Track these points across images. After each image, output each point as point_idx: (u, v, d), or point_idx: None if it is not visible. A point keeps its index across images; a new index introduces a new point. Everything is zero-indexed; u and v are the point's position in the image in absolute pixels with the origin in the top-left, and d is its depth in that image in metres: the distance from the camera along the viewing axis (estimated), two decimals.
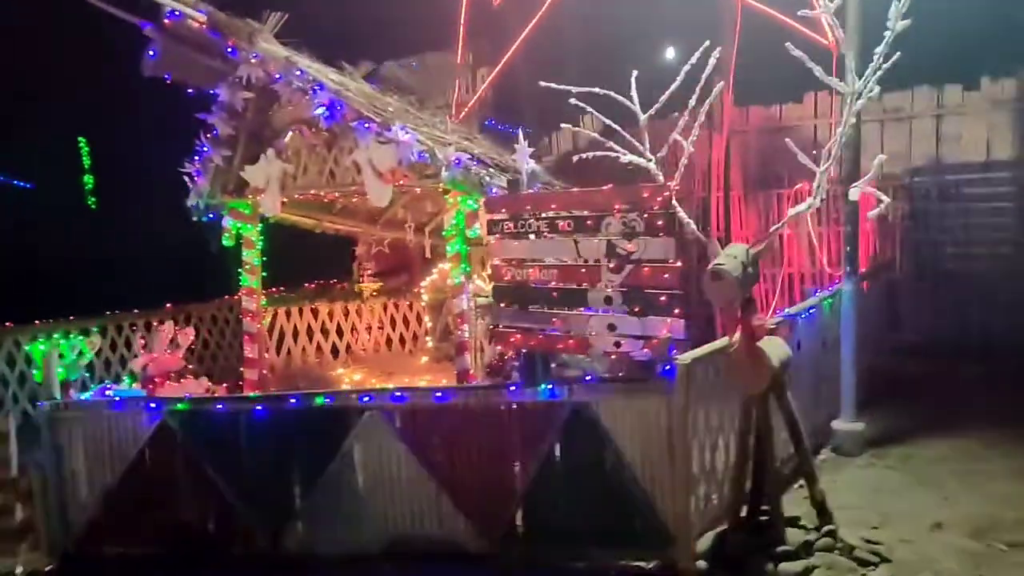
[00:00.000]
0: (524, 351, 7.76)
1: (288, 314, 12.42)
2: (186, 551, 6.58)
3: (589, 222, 6.68)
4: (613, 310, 6.62)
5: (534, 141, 13.49)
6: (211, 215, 10.85)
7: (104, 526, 6.68)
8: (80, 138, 36.65)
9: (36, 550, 6.82)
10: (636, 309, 6.47)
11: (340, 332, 12.81)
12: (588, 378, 6.05)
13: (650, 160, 6.83)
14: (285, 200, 10.25)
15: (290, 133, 9.89)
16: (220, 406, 6.47)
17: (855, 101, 5.62)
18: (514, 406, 6.15)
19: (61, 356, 7.61)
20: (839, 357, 8.72)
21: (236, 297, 13.58)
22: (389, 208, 12.22)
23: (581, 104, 7.00)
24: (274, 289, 13.59)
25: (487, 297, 9.66)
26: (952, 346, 11.46)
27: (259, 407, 6.41)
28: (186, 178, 10.61)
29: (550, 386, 6.07)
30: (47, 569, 6.71)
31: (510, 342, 7.33)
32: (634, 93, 7.13)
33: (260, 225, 10.91)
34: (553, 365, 8.07)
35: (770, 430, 6.00)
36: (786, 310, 8.04)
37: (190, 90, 10.15)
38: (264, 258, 11.07)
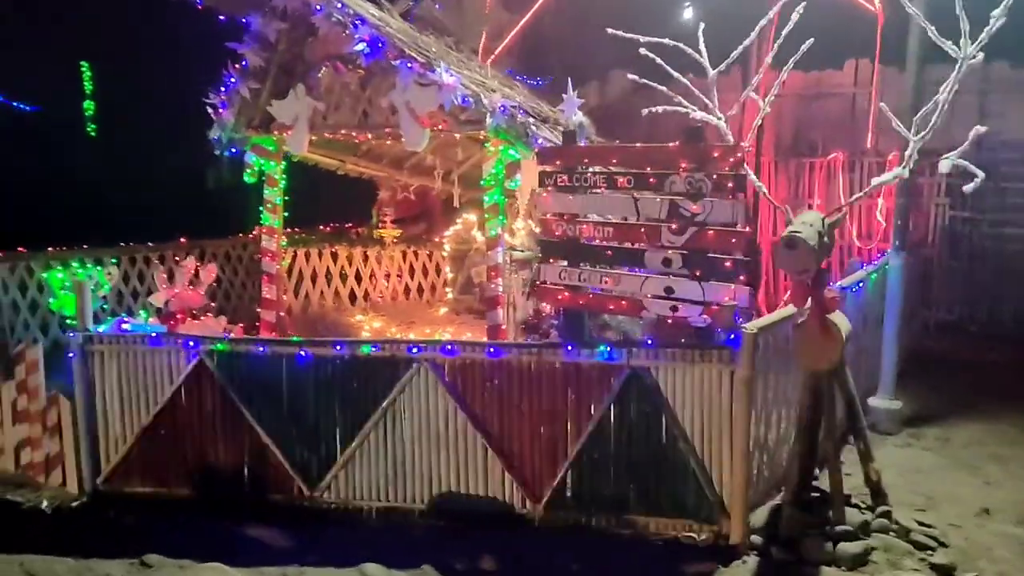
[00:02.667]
0: (564, 309, 7.55)
1: (307, 256, 12.12)
2: (219, 495, 6.38)
3: (651, 180, 6.41)
4: (671, 273, 6.39)
5: (559, 94, 13.17)
6: (233, 150, 10.51)
7: (135, 464, 6.46)
8: (82, 62, 35.93)
9: (63, 485, 6.60)
10: (697, 273, 6.24)
11: (359, 278, 12.52)
12: (649, 342, 5.81)
13: (720, 118, 6.59)
14: (314, 138, 9.91)
15: (323, 68, 9.48)
16: (262, 349, 6.22)
17: (964, 66, 5.34)
18: (570, 366, 5.91)
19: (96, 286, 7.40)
20: (878, 333, 8.56)
21: (251, 235, 13.35)
22: (417, 153, 11.92)
23: (651, 55, 6.72)
24: (288, 230, 13.28)
25: (522, 251, 9.44)
26: (984, 326, 11.33)
27: (303, 352, 6.17)
28: (209, 109, 10.24)
29: (608, 348, 5.84)
30: (74, 505, 6.50)
31: (556, 299, 7.09)
32: (703, 47, 6.87)
33: (284, 163, 10.59)
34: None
35: (833, 407, 5.82)
36: (838, 283, 7.83)
37: (221, 16, 9.77)
38: (286, 197, 10.78)
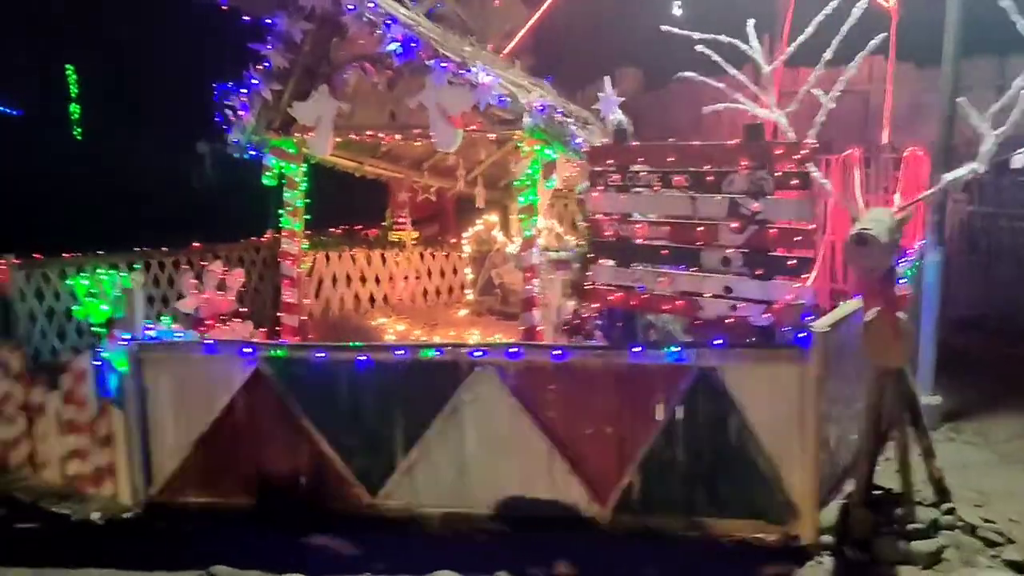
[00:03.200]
0: (611, 309, 7.52)
1: (327, 259, 12.00)
2: (276, 504, 6.27)
3: (710, 178, 6.39)
4: (731, 271, 6.37)
5: (572, 92, 13.12)
6: (252, 152, 10.39)
7: (190, 474, 6.33)
8: (68, 66, 35.55)
9: (114, 496, 6.47)
10: (758, 272, 6.22)
11: (377, 280, 12.41)
12: (718, 342, 5.77)
13: (780, 115, 6.57)
14: (338, 140, 9.81)
15: (351, 69, 9.37)
16: (322, 355, 6.12)
17: None
18: (637, 367, 5.86)
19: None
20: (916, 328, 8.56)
21: (263, 239, 13.20)
22: (436, 153, 11.84)
23: (707, 51, 6.69)
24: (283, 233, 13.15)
25: (557, 251, 9.39)
26: (1003, 322, 11.37)
27: (362, 357, 6.07)
28: (228, 112, 10.11)
29: (676, 349, 5.79)
30: (125, 516, 6.37)
31: (608, 300, 7.06)
32: (754, 42, 6.86)
33: (304, 165, 10.48)
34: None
35: (904, 404, 5.81)
36: None
37: (246, 17, 9.65)
38: (307, 200, 10.67)
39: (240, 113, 9.96)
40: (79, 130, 35.88)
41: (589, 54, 15.36)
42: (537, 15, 14.32)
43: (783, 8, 12.98)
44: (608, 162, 6.88)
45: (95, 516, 6.37)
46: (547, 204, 11.81)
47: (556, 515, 6.00)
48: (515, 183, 8.87)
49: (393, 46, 8.50)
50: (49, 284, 10.67)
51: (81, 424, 6.54)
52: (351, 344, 6.25)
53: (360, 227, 13.85)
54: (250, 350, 6.15)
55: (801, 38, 6.43)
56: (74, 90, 36.25)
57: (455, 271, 13.02)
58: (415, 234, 12.74)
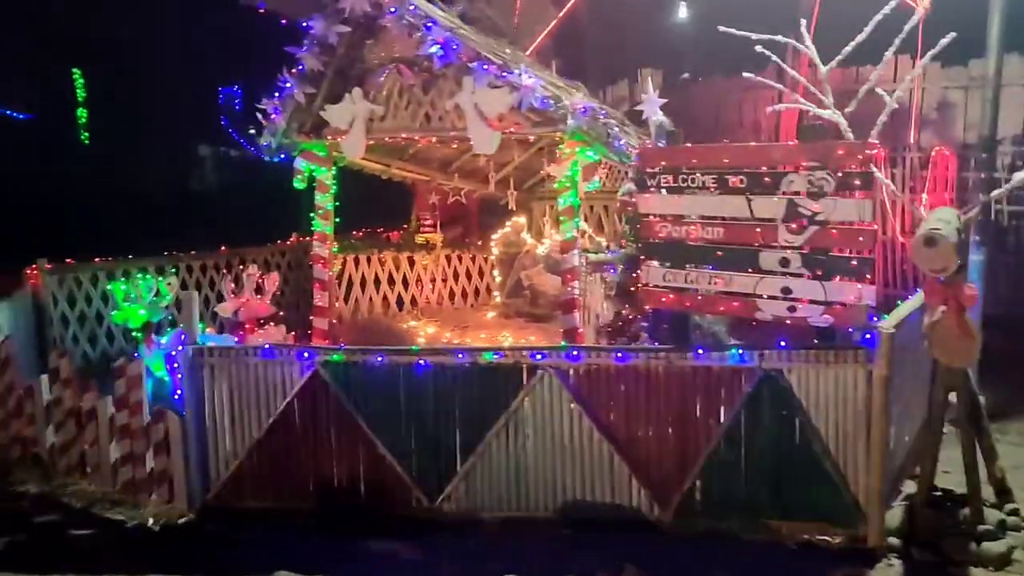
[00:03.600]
0: (657, 311, 7.48)
1: (356, 262, 11.96)
2: (334, 508, 6.23)
3: (767, 179, 6.36)
4: (789, 272, 6.34)
5: (594, 93, 13.05)
6: (282, 156, 10.36)
7: (246, 479, 6.29)
8: (74, 69, 35.52)
9: (169, 501, 6.42)
10: (818, 272, 6.18)
11: (405, 283, 12.37)
12: (782, 343, 5.74)
13: (838, 114, 6.55)
14: (371, 142, 9.78)
15: (385, 72, 9.33)
16: (380, 358, 6.08)
17: None
18: (700, 369, 5.83)
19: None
20: None
21: (288, 242, 13.17)
22: (464, 155, 11.81)
23: (767, 52, 6.68)
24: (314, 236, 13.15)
25: (596, 252, 9.35)
26: None
27: (422, 361, 6.04)
28: (258, 115, 10.08)
29: (740, 350, 5.76)
30: (181, 522, 6.32)
31: (661, 301, 7.02)
32: (810, 44, 6.84)
33: (335, 168, 10.44)
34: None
35: (971, 405, 5.78)
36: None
37: (283, 20, 9.62)
38: (338, 203, 10.64)
39: (273, 116, 9.93)
40: (86, 135, 35.84)
41: (608, 55, 15.33)
42: (559, 16, 14.30)
43: (808, 7, 12.95)
44: (660, 164, 6.83)
45: (151, 522, 6.31)
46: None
47: (617, 518, 5.97)
48: (556, 184, 8.81)
49: (434, 48, 8.46)
50: (81, 288, 10.64)
51: (135, 429, 6.49)
52: (411, 348, 6.22)
53: (381, 230, 13.82)
54: (308, 354, 6.10)
55: (860, 37, 6.40)
56: (81, 94, 36.23)
57: (481, 273, 12.98)
58: (439, 236, 12.69)
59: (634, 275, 7.61)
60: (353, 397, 6.13)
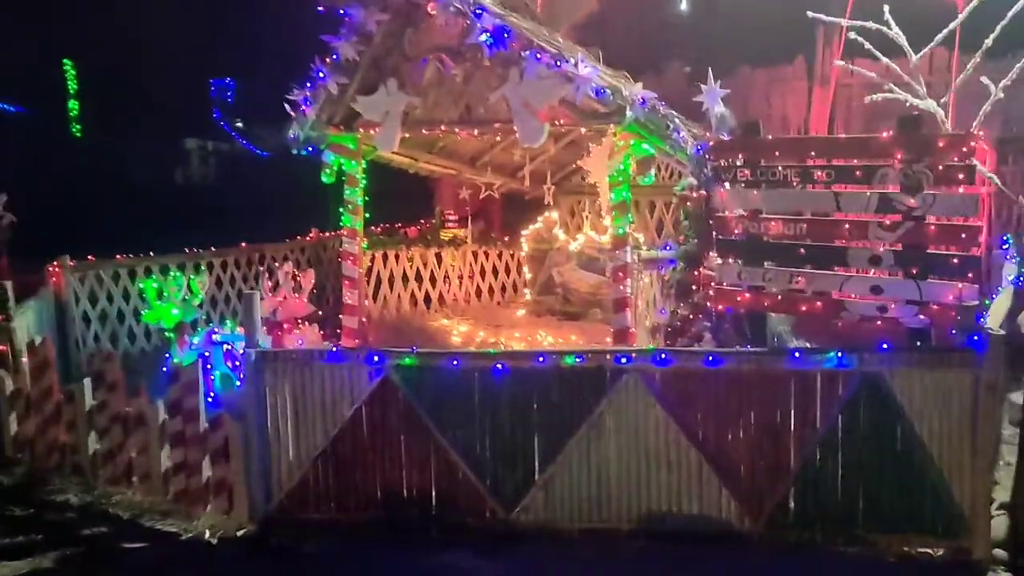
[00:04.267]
0: (716, 311, 7.20)
1: (384, 258, 11.62)
2: (403, 519, 5.90)
3: (857, 172, 6.08)
4: (880, 271, 6.07)
5: None
6: (310, 148, 10.01)
7: (311, 488, 5.94)
8: (65, 60, 34.95)
9: (227, 512, 6.07)
10: (914, 271, 5.91)
11: (433, 280, 12.04)
12: (884, 345, 5.45)
13: (932, 104, 6.28)
14: (406, 135, 9.45)
15: (426, 63, 8.97)
16: (455, 362, 5.75)
17: None
18: (794, 373, 5.54)
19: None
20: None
21: (308, 238, 12.84)
22: (493, 149, 11.51)
23: (860, 39, 6.41)
24: (331, 233, 12.88)
25: (648, 248, 9.06)
26: None
27: (499, 365, 5.72)
28: (286, 106, 9.73)
29: (838, 353, 5.47)
30: (240, 533, 5.97)
31: (735, 301, 6.74)
32: (897, 30, 6.58)
33: (364, 162, 10.11)
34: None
35: None
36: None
37: (320, 8, 9.25)
38: (367, 198, 10.32)
39: (304, 108, 9.58)
40: (78, 127, 35.24)
41: (634, 47, 15.04)
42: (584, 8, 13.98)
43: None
44: (737, 157, 6.54)
45: (208, 535, 5.96)
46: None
47: (704, 530, 5.67)
48: (608, 178, 8.51)
49: (484, 37, 8.14)
50: (102, 286, 10.28)
51: (190, 437, 6.14)
52: (488, 352, 5.90)
53: (400, 225, 13.50)
54: (378, 358, 5.76)
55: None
56: (73, 86, 35.59)
57: (507, 270, 12.67)
58: (461, 232, 12.38)
59: (695, 273, 7.33)
60: (425, 403, 5.80)
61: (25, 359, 7.30)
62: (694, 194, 7.34)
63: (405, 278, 11.71)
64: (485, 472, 5.83)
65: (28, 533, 6.11)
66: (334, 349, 5.85)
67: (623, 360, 5.65)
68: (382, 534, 5.89)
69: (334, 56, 9.25)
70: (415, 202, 14.42)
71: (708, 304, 7.16)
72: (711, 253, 7.04)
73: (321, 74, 9.33)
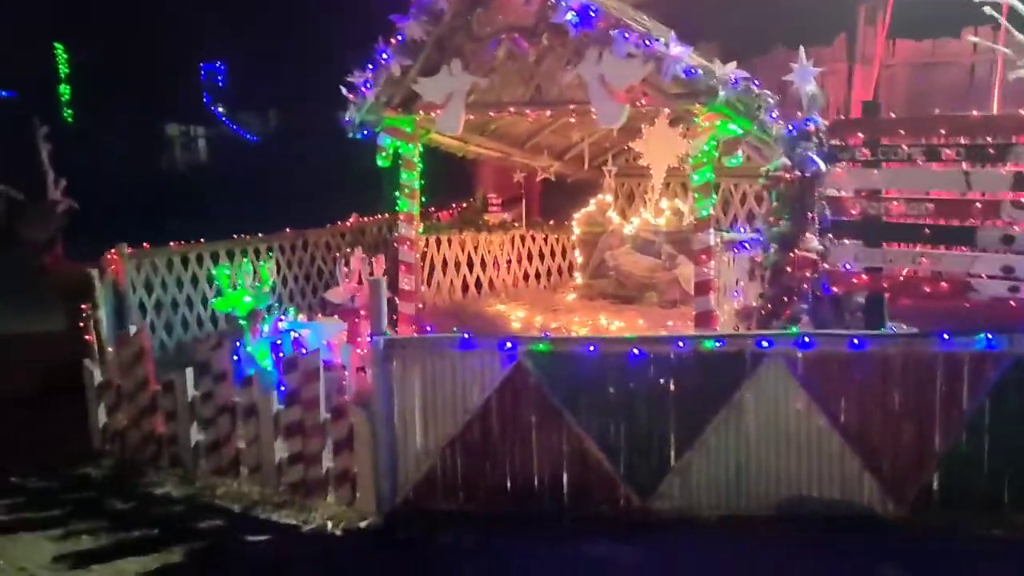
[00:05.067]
0: (813, 293, 7.09)
1: (438, 243, 11.44)
2: (535, 509, 5.76)
3: (991, 150, 5.98)
4: (1012, 251, 5.98)
5: None
6: (365, 132, 9.80)
7: (440, 479, 5.78)
8: (56, 43, 34.33)
9: (350, 504, 5.90)
10: None
11: (483, 265, 11.88)
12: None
13: None
14: (471, 117, 9.26)
15: (495, 43, 8.77)
16: (592, 348, 5.60)
17: None
18: (940, 356, 5.44)
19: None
20: None
21: (348, 223, 12.63)
22: (543, 131, 11.36)
23: (992, 12, 6.29)
24: (370, 217, 12.75)
25: (729, 231, 8.94)
26: None
27: (636, 350, 5.58)
28: (342, 88, 9.51)
29: (987, 335, 5.38)
30: (363, 525, 5.79)
31: (851, 283, 6.64)
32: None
33: (420, 145, 9.92)
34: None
35: None
36: None
37: None
38: (423, 181, 10.12)
39: (363, 90, 9.37)
40: (69, 112, 34.64)
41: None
42: None
43: None
44: (857, 136, 6.42)
45: (330, 527, 5.79)
46: (663, 184, 11.39)
47: (847, 515, 5.57)
48: (690, 161, 8.37)
49: (569, 15, 7.96)
50: (157, 274, 10.05)
51: (309, 426, 5.95)
52: (626, 336, 5.75)
53: (433, 209, 13.30)
54: (511, 344, 5.60)
55: None
56: (64, 70, 34.95)
57: (552, 254, 12.53)
58: (509, 215, 12.22)
59: (789, 255, 7.21)
60: (559, 389, 5.65)
61: (110, 349, 7.07)
62: (787, 175, 7.20)
63: (458, 263, 11.52)
64: (619, 459, 5.70)
65: (140, 527, 5.92)
66: (465, 336, 5.65)
67: (764, 344, 5.53)
68: (513, 525, 5.73)
69: (399, 36, 9.02)
70: (448, 186, 14.22)
71: (805, 286, 7.03)
72: (807, 235, 6.91)
73: (384, 56, 9.11)
